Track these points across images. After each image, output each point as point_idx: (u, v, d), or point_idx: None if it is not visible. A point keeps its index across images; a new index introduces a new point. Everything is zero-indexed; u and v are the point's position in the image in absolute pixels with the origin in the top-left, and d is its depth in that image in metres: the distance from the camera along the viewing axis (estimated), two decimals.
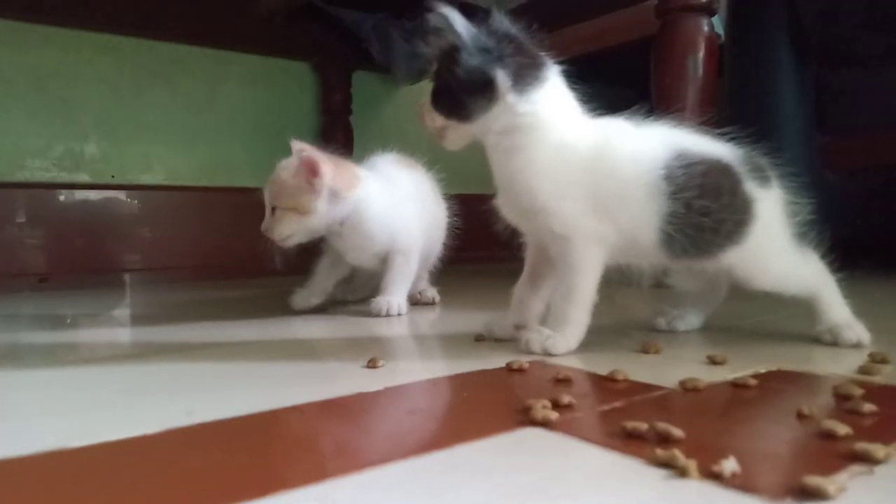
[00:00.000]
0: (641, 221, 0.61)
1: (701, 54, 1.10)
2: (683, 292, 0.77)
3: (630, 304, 0.92)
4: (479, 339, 0.69)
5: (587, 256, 0.62)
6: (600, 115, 0.65)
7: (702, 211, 0.61)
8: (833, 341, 0.64)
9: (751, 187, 0.63)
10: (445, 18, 0.62)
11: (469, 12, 0.61)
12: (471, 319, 0.83)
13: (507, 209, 0.65)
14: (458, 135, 0.65)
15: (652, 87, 1.15)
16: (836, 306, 0.66)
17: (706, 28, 1.12)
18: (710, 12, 1.13)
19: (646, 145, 0.62)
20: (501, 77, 0.61)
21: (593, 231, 0.61)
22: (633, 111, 0.64)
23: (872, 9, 1.25)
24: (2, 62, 1.58)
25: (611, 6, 1.74)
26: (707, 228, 0.61)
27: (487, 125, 0.63)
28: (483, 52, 0.61)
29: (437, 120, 0.65)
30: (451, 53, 0.62)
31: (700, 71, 1.10)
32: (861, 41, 1.28)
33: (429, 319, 0.90)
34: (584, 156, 0.61)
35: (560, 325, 0.63)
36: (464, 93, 0.62)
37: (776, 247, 0.65)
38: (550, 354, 0.61)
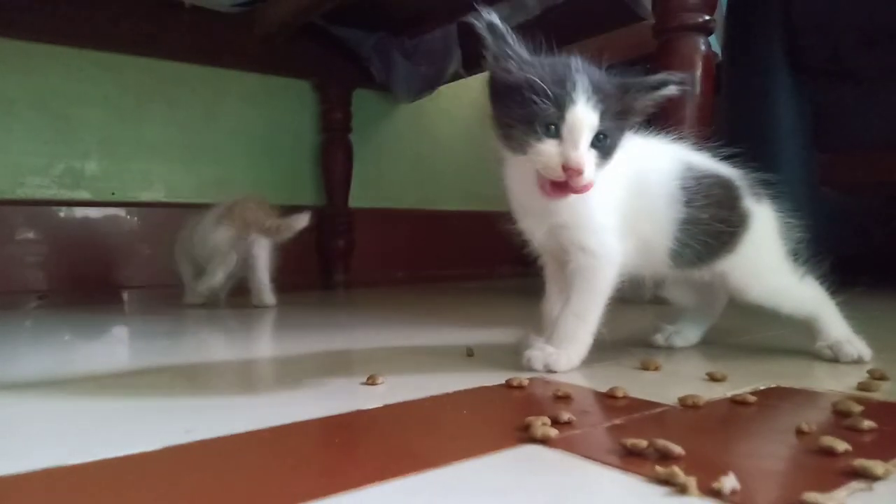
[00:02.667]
0: (660, 229, 0.63)
1: (698, 73, 1.11)
2: (681, 308, 0.77)
3: (629, 321, 0.92)
4: (470, 354, 0.70)
5: (608, 276, 0.62)
6: None
7: (708, 220, 0.63)
8: (833, 357, 0.64)
9: (748, 201, 0.66)
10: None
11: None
12: (465, 335, 0.83)
13: (540, 229, 0.63)
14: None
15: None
16: (835, 323, 0.66)
17: (703, 47, 1.13)
18: (708, 31, 1.14)
19: (663, 157, 0.65)
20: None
21: (617, 251, 0.62)
22: (638, 128, 0.65)
23: (868, 27, 1.26)
24: (3, 80, 1.59)
25: (609, 25, 1.76)
26: (710, 236, 0.63)
27: None
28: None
29: (593, 170, 0.56)
30: (628, 92, 0.58)
31: (697, 90, 1.11)
32: (857, 59, 1.29)
33: (423, 335, 0.90)
34: (618, 169, 0.61)
35: (565, 342, 0.62)
36: (624, 131, 0.59)
37: (769, 260, 0.67)
38: (552, 371, 0.61)
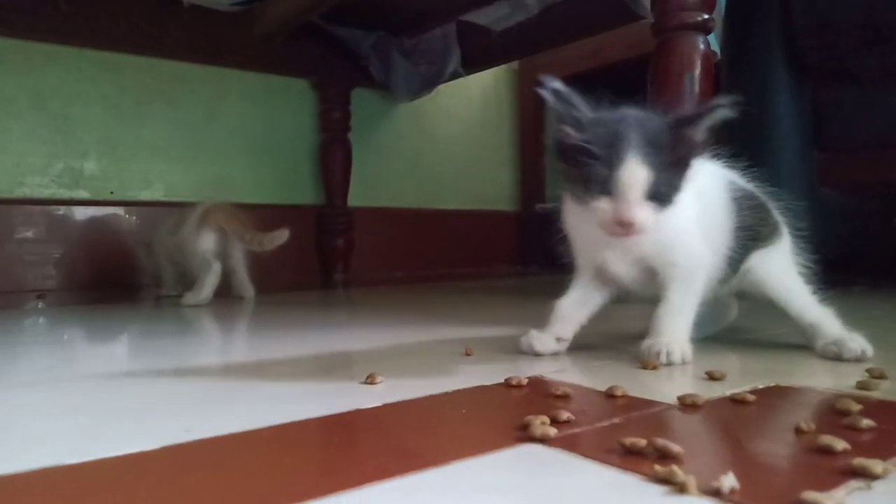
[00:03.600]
0: (721, 238, 0.68)
1: (697, 72, 1.11)
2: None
3: (627, 320, 0.92)
4: (469, 353, 0.70)
5: (700, 278, 0.66)
6: None
7: (751, 227, 0.68)
8: (837, 355, 0.64)
9: (776, 213, 0.72)
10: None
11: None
12: (464, 335, 0.83)
13: (623, 261, 0.66)
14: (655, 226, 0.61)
15: (649, 106, 1.15)
16: (832, 323, 0.67)
17: (702, 46, 1.12)
18: (707, 30, 1.14)
19: (714, 173, 0.70)
20: None
21: (705, 256, 0.66)
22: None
23: (867, 28, 1.26)
24: (2, 80, 1.59)
25: (608, 24, 1.76)
26: (751, 240, 0.69)
27: None
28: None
29: (653, 217, 0.59)
30: (687, 133, 0.60)
31: (697, 89, 1.11)
32: (856, 59, 1.29)
33: (422, 334, 0.90)
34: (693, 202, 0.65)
35: (673, 333, 0.65)
36: (684, 173, 0.61)
37: (788, 262, 0.72)
38: (672, 363, 0.63)
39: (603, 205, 0.59)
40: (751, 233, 0.68)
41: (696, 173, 0.63)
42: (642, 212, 0.58)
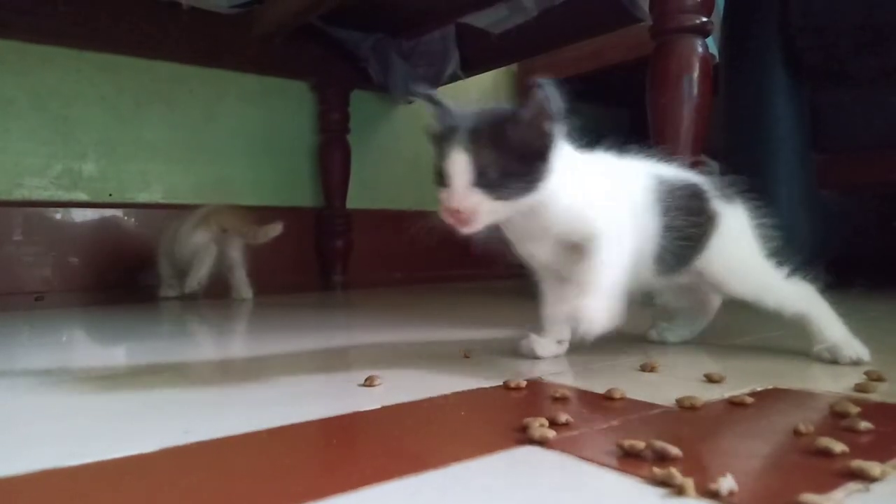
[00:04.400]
0: (645, 238, 0.65)
1: (696, 74, 1.11)
2: (675, 308, 0.79)
3: (626, 323, 0.92)
4: (467, 356, 0.70)
5: (624, 248, 0.63)
6: (590, 140, 0.67)
7: (680, 226, 0.66)
8: (832, 359, 0.64)
9: (715, 203, 0.69)
10: (546, 89, 0.58)
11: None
12: (463, 336, 0.83)
13: (542, 249, 0.65)
14: (497, 213, 0.60)
15: (647, 108, 1.16)
16: (831, 325, 0.67)
17: (701, 48, 1.13)
18: (705, 33, 1.14)
19: (639, 172, 0.68)
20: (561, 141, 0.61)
21: (629, 228, 0.64)
22: (609, 145, 0.68)
23: (866, 29, 1.26)
24: (1, 81, 1.59)
25: (605, 28, 1.76)
26: (685, 240, 0.67)
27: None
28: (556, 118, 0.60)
29: (492, 209, 0.59)
30: (537, 127, 0.59)
31: (695, 91, 1.11)
32: (855, 61, 1.29)
33: (421, 336, 0.90)
34: (605, 183, 0.65)
35: (594, 290, 0.60)
36: (543, 164, 0.60)
37: (742, 256, 0.69)
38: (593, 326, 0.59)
39: (442, 195, 0.60)
40: (681, 233, 0.66)
41: (612, 169, 0.66)
42: (466, 200, 0.58)
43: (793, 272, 0.69)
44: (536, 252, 0.66)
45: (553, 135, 0.60)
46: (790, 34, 1.32)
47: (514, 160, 0.59)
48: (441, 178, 0.59)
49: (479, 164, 0.58)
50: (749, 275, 0.69)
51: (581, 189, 0.63)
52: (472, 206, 0.58)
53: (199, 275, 1.38)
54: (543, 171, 0.59)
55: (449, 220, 0.60)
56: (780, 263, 0.69)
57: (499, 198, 0.59)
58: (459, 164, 0.58)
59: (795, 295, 0.68)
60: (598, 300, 0.59)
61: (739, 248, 0.69)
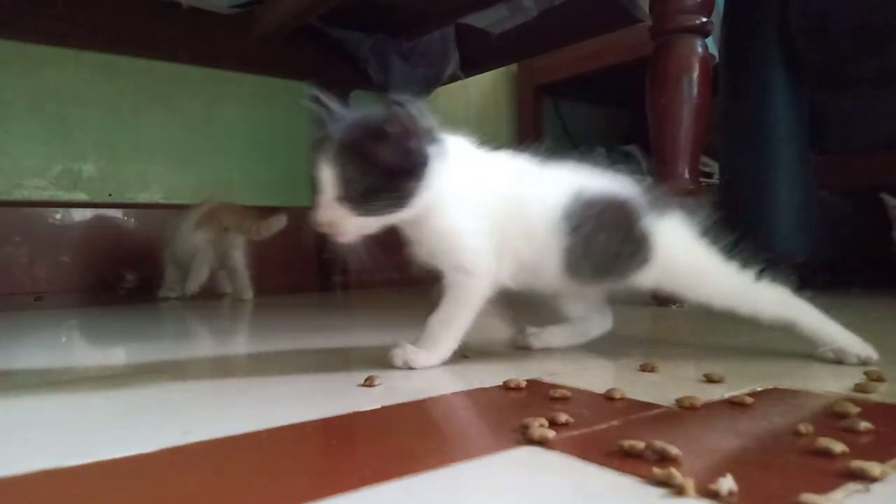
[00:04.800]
0: (542, 253, 0.65)
1: (696, 75, 1.11)
2: (566, 315, 0.76)
3: (626, 323, 0.92)
4: (465, 355, 0.70)
5: (478, 292, 0.65)
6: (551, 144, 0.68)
7: (600, 243, 0.65)
8: (837, 360, 0.63)
9: (645, 221, 0.66)
10: (409, 108, 0.58)
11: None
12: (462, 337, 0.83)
13: (420, 254, 0.66)
14: (366, 227, 0.62)
15: (647, 108, 1.16)
16: (825, 325, 0.65)
17: (700, 49, 1.13)
18: (705, 33, 1.14)
19: (550, 184, 0.66)
20: (433, 154, 0.61)
21: (490, 269, 0.64)
22: (532, 149, 0.68)
23: (865, 30, 1.26)
24: (1, 82, 1.59)
25: (605, 28, 1.76)
26: (608, 255, 0.65)
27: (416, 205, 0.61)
28: (425, 134, 0.60)
29: (358, 223, 0.61)
30: (395, 142, 0.59)
31: (695, 91, 1.11)
32: (854, 62, 1.29)
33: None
34: (491, 199, 0.64)
35: (427, 343, 0.65)
36: (409, 181, 0.60)
37: (698, 267, 0.67)
38: (411, 368, 0.63)
39: (315, 205, 0.60)
40: (603, 248, 0.65)
41: (510, 177, 0.65)
42: (328, 214, 0.59)
43: (762, 275, 0.66)
44: (420, 256, 0.67)
45: (422, 153, 0.59)
46: (790, 34, 1.32)
47: (379, 176, 0.59)
48: (314, 188, 0.60)
49: (344, 178, 0.58)
50: (711, 284, 0.67)
51: (458, 211, 0.63)
52: (335, 221, 0.59)
53: (201, 278, 1.38)
54: (413, 189, 0.60)
55: (320, 230, 0.60)
56: (745, 266, 0.66)
57: (364, 213, 0.59)
58: (326, 177, 0.58)
59: (769, 298, 0.66)
60: (428, 355, 0.64)
61: (688, 261, 0.67)
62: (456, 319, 0.65)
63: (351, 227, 0.60)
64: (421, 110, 0.58)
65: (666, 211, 0.68)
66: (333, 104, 0.62)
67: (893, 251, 1.12)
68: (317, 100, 0.62)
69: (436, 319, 0.65)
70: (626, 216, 0.66)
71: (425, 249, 0.65)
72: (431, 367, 0.64)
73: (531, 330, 0.75)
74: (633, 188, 0.68)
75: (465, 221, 0.63)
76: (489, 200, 0.64)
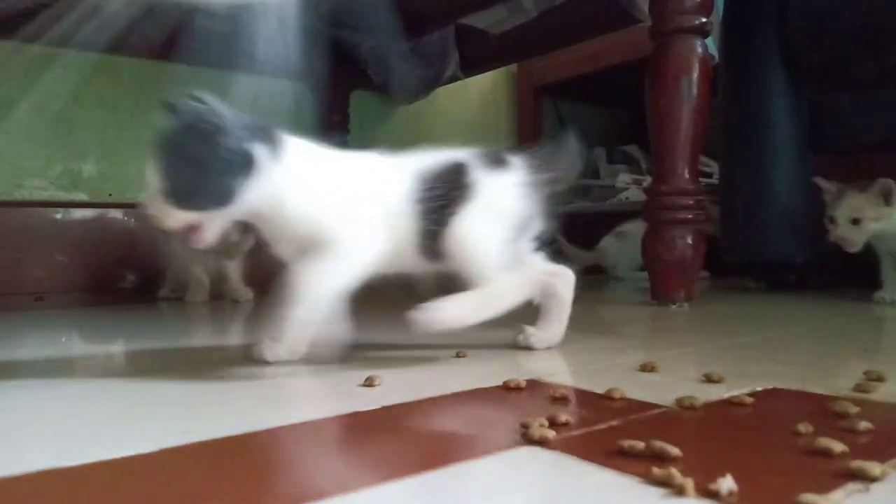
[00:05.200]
0: (401, 238, 0.68)
1: (695, 75, 1.11)
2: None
3: (626, 323, 0.92)
4: (461, 355, 0.70)
5: (358, 262, 0.68)
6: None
7: (436, 208, 0.67)
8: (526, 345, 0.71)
9: (475, 174, 0.68)
10: (205, 103, 0.61)
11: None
12: (462, 337, 0.83)
13: (289, 250, 0.67)
14: (216, 225, 0.63)
15: (647, 108, 1.16)
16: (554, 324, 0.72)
17: (700, 49, 1.13)
18: (704, 33, 1.14)
19: (399, 174, 0.69)
20: (259, 151, 0.63)
21: (366, 238, 0.67)
22: (380, 148, 0.73)
23: (864, 30, 1.26)
24: (1, 82, 1.59)
25: (604, 29, 1.76)
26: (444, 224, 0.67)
27: (249, 199, 0.63)
28: (242, 131, 0.62)
29: (182, 218, 0.62)
30: (203, 138, 0.61)
31: (694, 92, 1.11)
32: (853, 62, 1.29)
33: (421, 336, 0.90)
34: (344, 186, 0.68)
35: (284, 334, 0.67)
36: (225, 176, 0.61)
37: (480, 223, 0.67)
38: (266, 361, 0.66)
39: None
40: (441, 218, 0.66)
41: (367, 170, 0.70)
42: (153, 208, 0.61)
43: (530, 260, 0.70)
44: (283, 254, 0.68)
45: (231, 146, 0.61)
46: (789, 35, 1.32)
47: (195, 173, 0.60)
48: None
49: (163, 173, 0.60)
50: (472, 243, 0.67)
51: (310, 196, 0.64)
52: (159, 215, 0.61)
53: (202, 283, 1.37)
54: (234, 185, 0.61)
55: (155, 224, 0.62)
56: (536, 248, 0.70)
57: (186, 208, 0.61)
58: (151, 176, 0.61)
59: (517, 278, 0.69)
60: (282, 344, 0.66)
61: (480, 214, 0.67)
62: (318, 290, 0.65)
63: (176, 221, 0.61)
64: (216, 105, 0.62)
65: (501, 166, 0.69)
66: (185, 106, 0.63)
67: (828, 238, 1.11)
68: (169, 107, 0.64)
69: (292, 292, 0.64)
70: (457, 173, 0.68)
71: (292, 243, 0.66)
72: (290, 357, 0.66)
73: (531, 330, 0.76)
74: (469, 153, 0.70)
75: (319, 201, 0.65)
76: (342, 187, 0.67)
